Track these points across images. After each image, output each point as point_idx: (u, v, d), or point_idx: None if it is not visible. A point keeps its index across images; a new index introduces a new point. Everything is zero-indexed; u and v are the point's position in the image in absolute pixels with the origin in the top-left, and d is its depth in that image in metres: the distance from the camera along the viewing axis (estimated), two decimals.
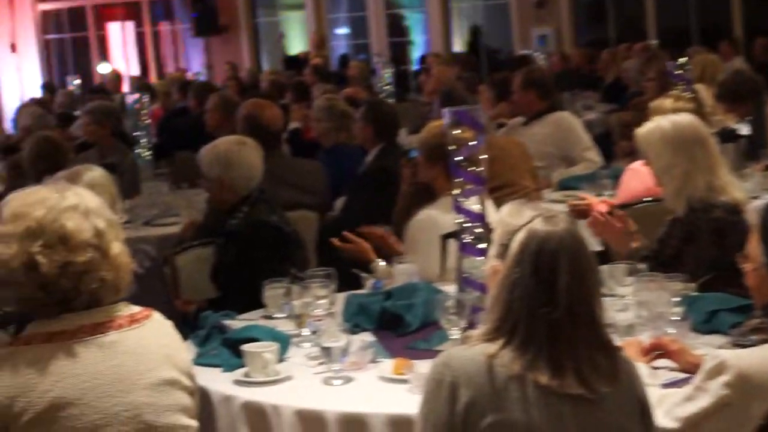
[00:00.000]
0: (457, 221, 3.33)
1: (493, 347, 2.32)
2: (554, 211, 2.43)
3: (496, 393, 2.28)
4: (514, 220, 2.40)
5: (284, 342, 3.34)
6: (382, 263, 4.22)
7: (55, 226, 2.44)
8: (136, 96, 7.79)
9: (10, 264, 2.41)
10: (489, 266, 2.48)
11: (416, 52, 18.27)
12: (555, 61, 13.25)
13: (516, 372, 2.29)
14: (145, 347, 2.51)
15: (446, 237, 3.90)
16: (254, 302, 3.85)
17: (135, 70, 19.29)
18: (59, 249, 2.42)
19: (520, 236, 2.36)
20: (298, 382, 3.12)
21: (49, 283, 2.41)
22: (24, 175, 5.79)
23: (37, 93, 15.50)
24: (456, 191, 3.31)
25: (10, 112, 14.84)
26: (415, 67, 17.39)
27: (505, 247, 2.39)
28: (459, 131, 3.28)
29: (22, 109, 9.07)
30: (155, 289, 4.49)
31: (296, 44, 19.21)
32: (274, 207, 4.57)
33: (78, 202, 2.50)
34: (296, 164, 5.99)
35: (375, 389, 3.02)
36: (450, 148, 3.29)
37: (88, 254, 2.45)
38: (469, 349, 2.36)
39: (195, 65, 19.44)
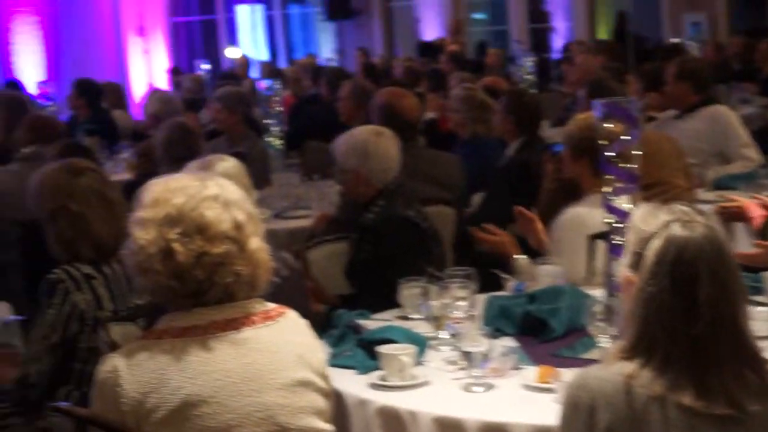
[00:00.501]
0: (606, 221, 3.27)
1: (630, 366, 2.23)
2: (691, 214, 2.31)
3: (636, 416, 2.20)
4: (647, 225, 2.31)
5: (422, 345, 3.34)
6: (524, 259, 4.17)
7: (194, 215, 2.48)
8: (267, 82, 7.88)
9: (147, 249, 2.46)
10: (623, 277, 2.39)
11: (558, 40, 18.08)
12: (709, 51, 12.96)
13: (657, 393, 2.20)
14: (279, 346, 2.53)
15: (594, 237, 3.83)
16: (389, 301, 3.86)
17: (263, 55, 19.54)
18: (196, 238, 2.46)
19: (655, 244, 2.25)
20: (436, 388, 3.11)
21: (183, 273, 2.45)
22: (154, 162, 5.91)
23: (164, 78, 15.84)
24: (605, 188, 3.25)
25: (137, 97, 15.20)
26: (555, 55, 17.21)
27: (638, 255, 2.29)
28: (611, 124, 3.22)
29: (151, 95, 9.26)
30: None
31: (431, 30, 19.20)
32: (411, 201, 4.56)
33: (219, 193, 2.53)
34: (433, 156, 5.97)
35: (518, 398, 2.99)
36: (600, 142, 3.23)
37: (225, 246, 2.48)
38: (606, 368, 2.28)
39: (324, 50, 19.60)
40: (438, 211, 5.28)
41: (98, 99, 9.63)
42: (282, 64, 18.83)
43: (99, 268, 3.55)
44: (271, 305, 2.59)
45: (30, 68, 15.55)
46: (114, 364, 2.45)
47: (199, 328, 2.47)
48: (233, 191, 2.58)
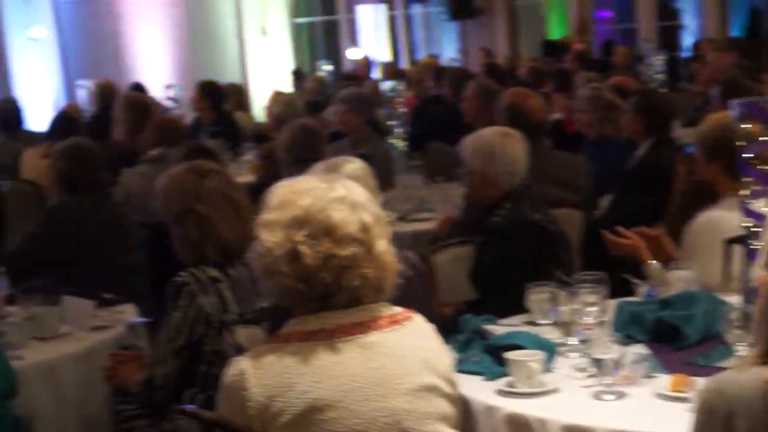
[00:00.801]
0: (743, 225, 3.20)
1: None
2: None
3: None
4: None
5: (551, 351, 3.30)
6: (656, 265, 4.09)
7: (321, 217, 2.49)
8: (390, 83, 7.90)
9: (273, 252, 2.48)
10: (758, 278, 2.33)
11: (688, 38, 17.75)
12: None
13: None
14: (405, 350, 2.52)
15: (730, 242, 3.75)
16: (516, 306, 3.83)
17: (385, 56, 19.62)
18: (323, 240, 2.47)
19: None
20: (565, 395, 3.08)
21: (310, 275, 2.46)
22: (277, 165, 5.97)
23: (287, 79, 16.02)
24: (743, 191, 3.18)
25: (258, 99, 15.40)
26: (684, 53, 16.90)
27: None
28: (748, 125, 3.15)
29: (273, 97, 9.38)
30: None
31: (556, 28, 19.04)
32: (538, 204, 4.52)
33: (346, 195, 2.54)
34: (559, 158, 5.91)
35: (651, 407, 2.93)
36: (738, 143, 3.16)
37: (352, 248, 2.48)
38: (742, 373, 2.22)
39: (447, 51, 19.59)
40: (565, 213, 5.22)
41: (221, 101, 9.78)
42: (404, 64, 18.88)
43: (224, 271, 3.59)
44: (398, 309, 2.59)
45: (155, 71, 15.88)
46: (241, 367, 2.47)
47: (325, 332, 2.48)
48: (360, 193, 2.58)
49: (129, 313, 4.38)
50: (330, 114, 8.87)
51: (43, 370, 3.81)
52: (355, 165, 3.95)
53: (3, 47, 16.07)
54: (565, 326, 3.45)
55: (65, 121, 7.84)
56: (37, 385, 3.76)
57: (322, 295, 2.49)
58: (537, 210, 4.47)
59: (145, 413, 3.64)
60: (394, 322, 2.55)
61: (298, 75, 15.22)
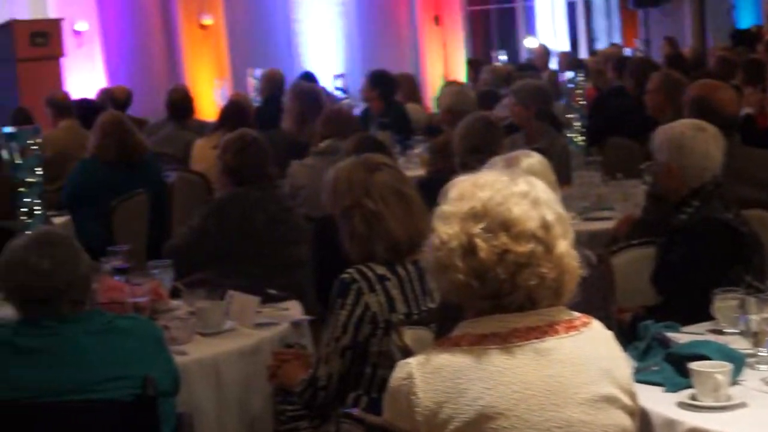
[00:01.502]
0: None
1: None
2: None
3: None
4: None
5: (739, 362, 3.20)
6: None
7: (500, 210, 2.45)
8: (569, 74, 7.80)
9: (448, 244, 2.45)
10: None
11: None
12: None
13: None
14: (582, 358, 2.47)
15: None
16: (701, 313, 3.73)
17: (563, 45, 19.41)
18: (500, 235, 2.43)
19: None
20: (753, 411, 2.99)
21: (484, 271, 2.43)
22: (449, 159, 5.95)
23: (461, 69, 16.00)
24: None
25: (431, 89, 15.43)
26: None
27: None
28: None
29: (444, 87, 9.37)
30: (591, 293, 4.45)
31: (746, 16, 18.52)
32: (730, 203, 4.38)
33: (528, 190, 2.50)
34: (752, 155, 5.72)
35: None
36: None
37: (530, 245, 2.44)
38: None
39: (629, 40, 19.27)
40: (757, 215, 5.04)
41: (392, 91, 9.81)
42: (583, 54, 18.65)
43: (393, 269, 3.58)
44: (576, 314, 2.54)
45: (325, 60, 16.07)
46: (409, 371, 2.45)
47: (499, 336, 2.44)
48: (543, 189, 2.54)
49: (294, 310, 4.42)
50: (503, 106, 8.81)
51: (205, 367, 3.88)
52: (534, 159, 3.90)
53: (173, 35, 16.51)
54: (755, 336, 3.35)
55: (235, 111, 7.97)
56: (199, 381, 3.82)
57: (495, 293, 2.45)
58: (728, 210, 4.32)
59: (308, 414, 3.66)
60: (572, 327, 2.50)
61: (472, 65, 15.17)
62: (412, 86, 11.10)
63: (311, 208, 5.77)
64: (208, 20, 16.59)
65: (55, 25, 12.84)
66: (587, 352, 2.48)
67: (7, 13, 12.79)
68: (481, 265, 2.43)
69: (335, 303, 3.56)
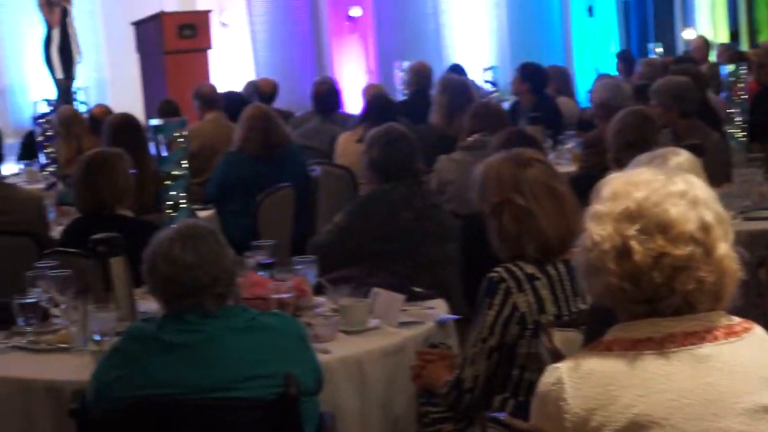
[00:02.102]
0: None
1: None
2: None
3: None
4: None
5: None
6: None
7: (656, 211, 2.39)
8: (730, 67, 7.61)
9: (600, 246, 2.40)
10: None
11: None
12: None
13: None
14: (743, 365, 2.39)
15: None
16: None
17: (723, 37, 19.01)
18: (656, 237, 2.37)
19: None
20: None
21: (638, 274, 2.37)
22: (602, 155, 5.86)
23: (614, 62, 15.79)
24: None
25: (583, 83, 15.27)
26: None
27: None
28: None
29: (598, 81, 9.26)
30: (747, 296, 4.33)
31: None
32: None
33: (686, 189, 2.43)
34: None
35: None
36: None
37: (689, 248, 2.37)
38: None
39: None
40: None
41: (543, 84, 9.73)
42: (744, 46, 18.22)
43: (543, 268, 3.54)
44: (736, 319, 2.46)
45: (474, 52, 16.03)
46: (558, 375, 2.41)
47: (653, 341, 2.38)
48: (702, 188, 2.46)
49: (439, 309, 4.40)
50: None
51: (349, 366, 3.88)
52: (682, 158, 3.81)
53: (321, 27, 16.67)
54: None
55: (381, 105, 8.01)
56: (342, 380, 3.82)
57: (650, 298, 2.39)
58: None
59: (452, 416, 3.64)
60: (732, 333, 2.42)
61: (625, 58, 14.96)
62: (563, 79, 10.99)
63: (459, 204, 5.75)
64: (356, 12, 16.71)
65: (202, 17, 13.08)
66: (748, 359, 2.40)
67: (156, 5, 13.07)
68: (635, 268, 2.37)
69: (482, 302, 3.53)
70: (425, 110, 8.37)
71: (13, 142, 12.55)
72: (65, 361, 3.92)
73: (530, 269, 3.53)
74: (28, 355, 4.02)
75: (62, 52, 13.13)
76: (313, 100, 9.35)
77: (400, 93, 11.06)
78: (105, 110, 9.60)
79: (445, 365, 3.74)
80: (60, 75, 13.09)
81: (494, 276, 3.52)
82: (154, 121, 5.61)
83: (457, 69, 11.81)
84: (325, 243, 5.26)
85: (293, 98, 13.34)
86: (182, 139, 5.36)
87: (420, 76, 10.31)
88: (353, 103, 12.17)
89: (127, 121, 6.91)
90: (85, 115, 9.15)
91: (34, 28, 13.84)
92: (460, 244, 5.29)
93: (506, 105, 9.78)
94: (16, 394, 3.76)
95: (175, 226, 3.60)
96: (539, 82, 9.65)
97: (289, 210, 6.87)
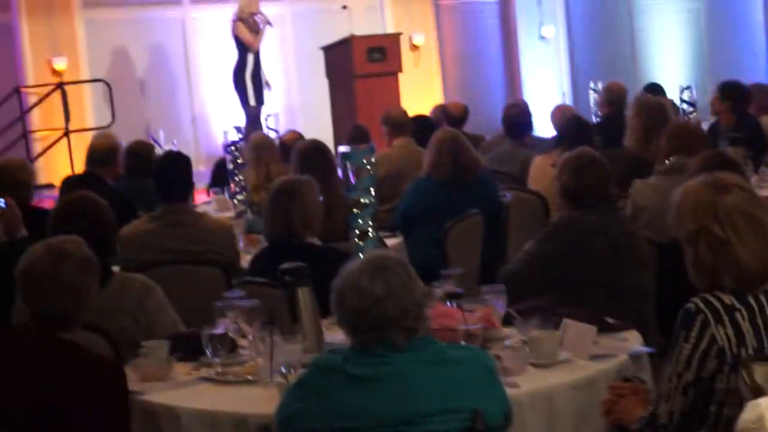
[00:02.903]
0: None
1: None
2: None
3: None
4: None
5: None
6: None
7: None
8: None
9: None
10: None
11: None
12: None
13: None
14: None
15: None
16: None
17: None
18: None
19: None
20: None
21: None
22: None
23: None
24: None
25: None
26: None
27: None
28: None
29: None
30: None
31: None
32: None
33: None
34: None
35: None
36: None
37: None
38: None
39: None
40: None
41: (744, 103, 9.50)
42: None
43: (743, 299, 3.44)
44: None
45: (671, 71, 15.77)
46: (759, 413, 2.36)
47: None
48: None
49: (633, 341, 4.33)
50: None
51: (538, 400, 3.84)
52: None
53: (514, 47, 16.67)
54: None
55: (575, 127, 7.94)
56: (531, 415, 3.79)
57: None
58: None
59: None
60: None
61: None
62: (767, 98, 10.70)
63: (655, 231, 5.65)
64: (548, 31, 16.66)
65: (392, 39, 13.20)
66: None
67: (345, 29, 13.29)
68: None
69: (678, 335, 3.46)
70: (620, 132, 8.26)
71: (203, 169, 12.97)
72: (252, 394, 4.00)
73: (729, 300, 3.44)
74: (215, 387, 4.12)
75: (254, 78, 13.43)
76: (504, 123, 9.32)
77: (594, 114, 10.94)
78: (296, 136, 9.79)
79: (638, 400, 3.68)
80: (251, 102, 13.37)
81: (691, 307, 3.44)
82: (343, 148, 5.67)
83: (654, 88, 11.61)
84: (515, 272, 5.24)
85: (483, 121, 13.37)
86: (370, 166, 5.41)
87: (615, 97, 10.17)
88: (545, 126, 12.11)
89: (315, 147, 7.03)
90: (275, 142, 9.32)
91: (224, 54, 14.21)
92: (655, 273, 5.20)
93: (705, 125, 9.57)
94: (203, 427, 3.86)
95: (364, 256, 3.63)
96: (740, 100, 9.42)
97: (478, 237, 6.86)
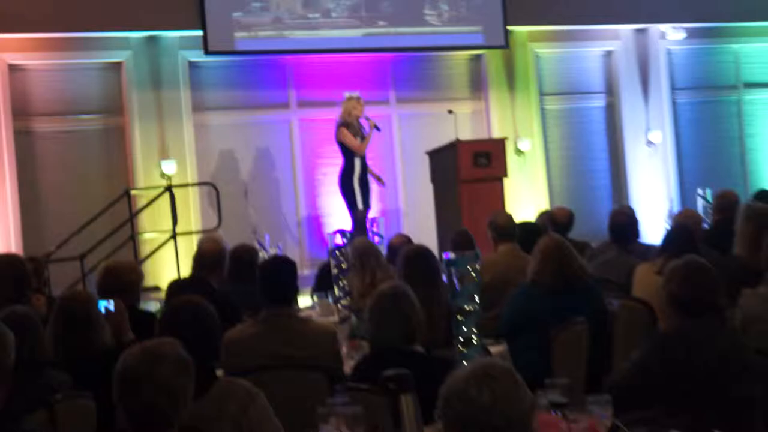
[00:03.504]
0: None
1: None
2: None
3: None
4: None
5: None
6: None
7: None
8: None
9: None
10: None
11: None
12: None
13: None
14: None
15: None
16: None
17: None
18: None
19: None
20: None
21: None
22: None
23: None
24: None
25: None
26: None
27: None
28: None
29: None
30: None
31: None
32: None
33: None
34: None
35: None
36: None
37: None
38: None
39: None
40: None
41: None
42: None
43: None
44: None
45: None
46: None
47: None
48: None
49: None
50: None
51: None
52: None
53: (620, 152, 16.63)
54: None
55: (681, 235, 7.88)
56: None
57: None
58: None
59: None
60: None
61: None
62: None
63: (766, 342, 5.56)
64: (655, 137, 16.61)
65: (498, 144, 13.26)
66: None
67: (450, 133, 13.41)
68: None
69: None
70: (730, 240, 8.17)
71: (308, 273, 13.08)
72: None
73: None
74: None
75: (362, 182, 13.46)
76: (610, 229, 9.28)
77: (703, 222, 10.84)
78: (404, 240, 9.85)
79: None
80: (359, 205, 13.38)
81: None
82: (447, 254, 5.70)
83: (764, 195, 11.49)
84: (622, 382, 5.19)
85: (589, 228, 13.33)
86: (475, 273, 5.43)
87: (726, 204, 10.06)
88: (653, 233, 12.03)
89: (420, 253, 7.07)
90: (379, 247, 9.37)
91: (331, 156, 14.37)
92: (766, 386, 5.12)
93: None
94: None
95: (471, 364, 3.63)
96: None
97: (583, 346, 6.81)
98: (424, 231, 13.48)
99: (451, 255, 5.63)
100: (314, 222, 15.52)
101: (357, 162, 13.41)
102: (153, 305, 11.00)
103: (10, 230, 14.22)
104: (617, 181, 16.60)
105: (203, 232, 13.87)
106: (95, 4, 14.20)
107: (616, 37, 16.97)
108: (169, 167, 14.83)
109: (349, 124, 13.46)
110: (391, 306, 5.34)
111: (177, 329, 4.64)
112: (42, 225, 14.45)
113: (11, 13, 13.86)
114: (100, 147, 14.93)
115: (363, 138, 13.43)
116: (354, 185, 13.36)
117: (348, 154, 13.47)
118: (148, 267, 14.07)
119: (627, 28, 16.90)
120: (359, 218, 13.20)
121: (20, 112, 14.48)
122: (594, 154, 16.68)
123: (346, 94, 13.67)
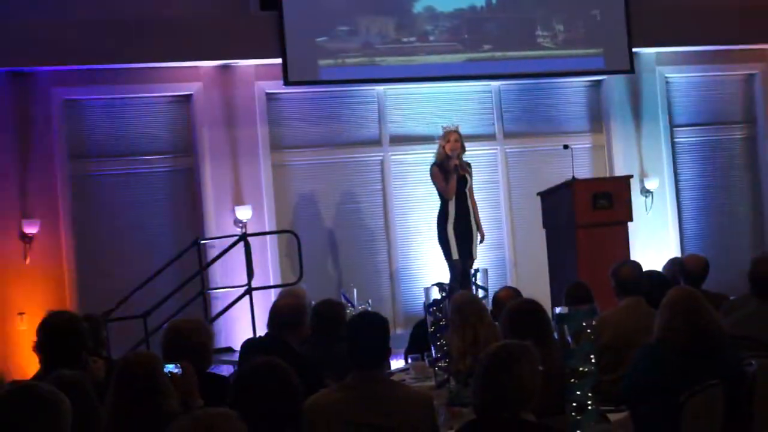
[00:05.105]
0: None
1: None
2: None
3: None
4: None
5: None
6: None
7: None
8: None
9: None
10: None
11: None
12: None
13: None
14: None
15: None
16: None
17: None
18: None
19: None
20: None
21: None
22: None
23: None
24: None
25: None
26: None
27: None
28: None
29: None
30: None
31: None
32: None
33: None
34: None
35: None
36: None
37: None
38: None
39: None
40: None
41: None
42: None
43: None
44: None
45: None
46: None
47: None
48: None
49: None
50: None
51: None
52: None
53: (764, 191, 16.47)
54: None
55: None
56: None
57: None
58: None
59: None
60: None
61: None
62: None
63: None
64: None
65: (621, 183, 13.15)
66: None
67: (566, 172, 13.36)
68: None
69: None
70: None
71: (401, 332, 13.09)
72: None
73: None
74: None
75: (457, 230, 13.40)
76: (751, 280, 9.20)
77: None
78: (511, 294, 9.83)
79: None
80: (454, 255, 13.28)
81: None
82: (560, 309, 5.71)
83: None
84: None
85: (727, 278, 13.21)
86: (591, 330, 5.43)
87: None
88: None
89: (526, 308, 7.08)
90: (484, 302, 9.38)
91: (429, 201, 14.29)
92: None
93: None
94: None
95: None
96: None
97: (717, 412, 6.78)
98: (534, 283, 13.43)
99: (564, 310, 5.64)
100: (409, 274, 15.52)
101: (451, 207, 13.37)
102: (225, 368, 11.13)
103: (65, 285, 14.40)
104: (759, 224, 16.45)
105: (282, 285, 13.92)
106: (160, 32, 14.36)
107: (761, 59, 16.82)
108: (244, 213, 14.94)
109: (441, 165, 13.40)
110: (499, 369, 5.31)
111: (251, 395, 4.70)
112: (101, 280, 14.61)
113: (65, 42, 14.08)
114: (166, 191, 15.10)
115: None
116: (449, 232, 13.28)
117: (442, 197, 13.47)
118: (219, 326, 14.15)
119: None
120: (458, 269, 13.10)
121: (77, 152, 14.70)
122: (733, 192, 16.55)
123: (444, 128, 13.62)
